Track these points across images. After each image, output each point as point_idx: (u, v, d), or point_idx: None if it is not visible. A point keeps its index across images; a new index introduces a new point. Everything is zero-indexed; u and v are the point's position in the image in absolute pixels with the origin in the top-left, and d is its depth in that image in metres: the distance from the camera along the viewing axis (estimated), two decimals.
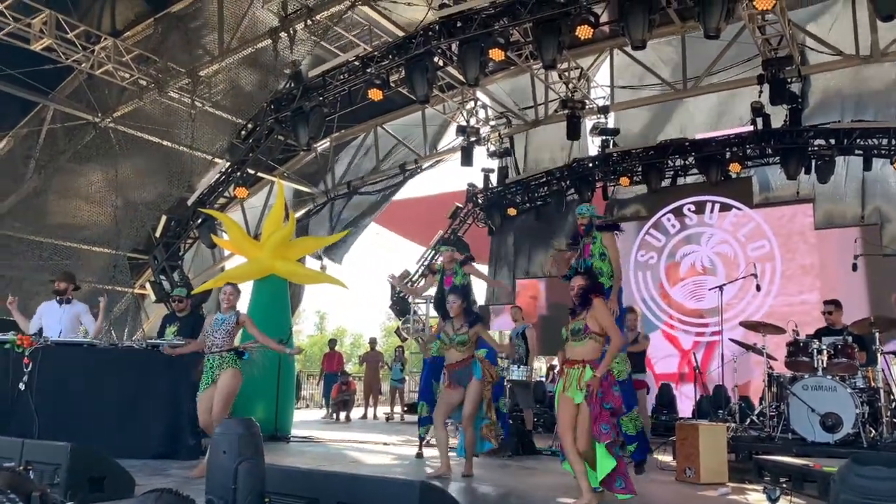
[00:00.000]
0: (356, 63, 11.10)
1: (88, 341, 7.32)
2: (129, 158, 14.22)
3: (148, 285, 13.90)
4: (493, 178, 16.07)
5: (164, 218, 13.31)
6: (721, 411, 9.26)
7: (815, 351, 7.52)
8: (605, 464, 4.74)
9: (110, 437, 6.44)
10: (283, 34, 12.30)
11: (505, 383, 8.64)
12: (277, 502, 3.53)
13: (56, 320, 7.65)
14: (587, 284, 5.14)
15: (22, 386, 6.75)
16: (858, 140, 11.76)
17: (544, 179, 15.02)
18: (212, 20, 12.84)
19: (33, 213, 14.14)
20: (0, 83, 11.79)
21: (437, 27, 9.95)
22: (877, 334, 7.47)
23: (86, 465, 4.49)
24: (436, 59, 10.28)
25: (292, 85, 11.69)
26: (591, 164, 14.11)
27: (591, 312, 4.97)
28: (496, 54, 9.67)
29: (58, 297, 7.73)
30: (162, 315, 11.38)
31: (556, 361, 14.17)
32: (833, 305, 8.26)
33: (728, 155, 12.62)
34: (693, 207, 13.53)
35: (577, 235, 6.70)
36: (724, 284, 11.05)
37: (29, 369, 6.80)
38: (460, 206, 16.35)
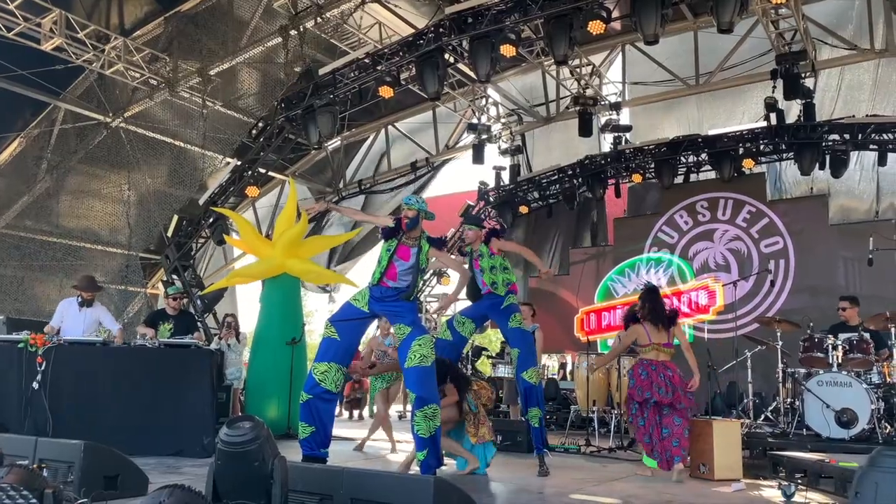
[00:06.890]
0: (366, 61, 11.09)
1: (102, 340, 7.36)
2: (140, 158, 14.26)
3: (160, 285, 13.94)
4: (505, 175, 16.03)
5: (175, 217, 13.35)
6: (735, 409, 9.19)
7: (830, 347, 7.47)
8: None
9: (124, 435, 6.45)
10: (293, 32, 12.30)
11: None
12: (292, 499, 3.53)
13: (77, 323, 7.74)
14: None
15: (36, 385, 6.79)
16: (873, 135, 11.65)
17: (556, 177, 14.94)
18: (222, 19, 12.85)
19: (45, 214, 14.20)
20: (11, 84, 11.81)
21: (447, 23, 9.92)
22: (893, 330, 7.41)
23: (99, 463, 4.50)
24: (447, 55, 10.25)
25: (303, 83, 11.69)
26: (603, 162, 14.02)
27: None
28: (507, 50, 9.63)
29: (80, 300, 7.83)
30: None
31: (569, 358, 14.09)
32: (847, 301, 8.21)
33: (741, 151, 12.52)
34: (706, 204, 13.42)
35: (397, 227, 5.60)
36: (738, 281, 10.96)
37: (42, 368, 6.84)
38: (472, 203, 16.32)
